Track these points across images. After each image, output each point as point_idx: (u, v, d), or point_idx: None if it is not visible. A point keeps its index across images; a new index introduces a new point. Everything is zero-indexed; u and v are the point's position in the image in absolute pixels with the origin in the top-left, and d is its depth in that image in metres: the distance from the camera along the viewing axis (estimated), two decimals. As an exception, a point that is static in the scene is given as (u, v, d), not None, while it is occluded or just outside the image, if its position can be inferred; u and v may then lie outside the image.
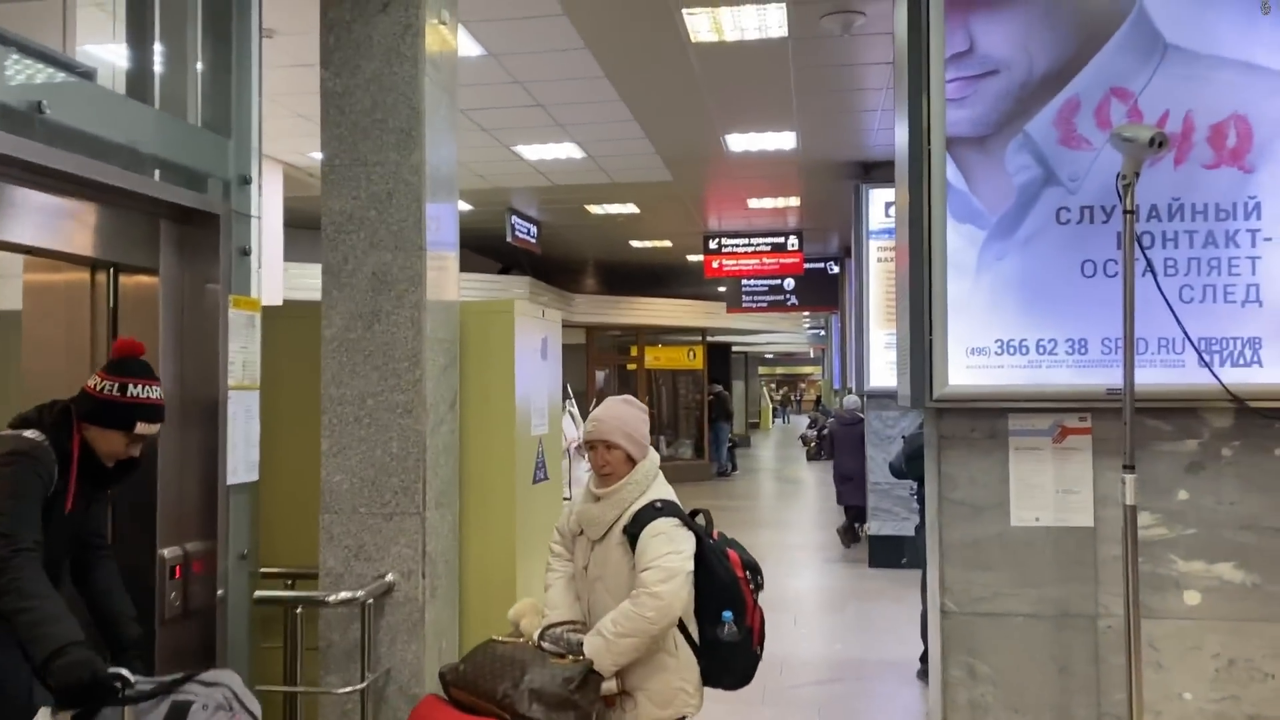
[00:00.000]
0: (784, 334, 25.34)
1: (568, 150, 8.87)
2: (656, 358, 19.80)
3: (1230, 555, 3.65)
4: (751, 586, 3.45)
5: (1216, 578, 3.65)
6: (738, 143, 8.69)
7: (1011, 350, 3.73)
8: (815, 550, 10.78)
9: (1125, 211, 3.42)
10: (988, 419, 3.77)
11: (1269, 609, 3.63)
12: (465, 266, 14.09)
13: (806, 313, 20.25)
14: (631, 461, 3.38)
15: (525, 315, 3.96)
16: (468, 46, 6.17)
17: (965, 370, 3.74)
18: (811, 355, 41.84)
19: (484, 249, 14.05)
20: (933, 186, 3.76)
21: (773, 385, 55.66)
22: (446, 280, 3.83)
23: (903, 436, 7.14)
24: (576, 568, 3.45)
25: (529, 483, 4.01)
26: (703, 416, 19.40)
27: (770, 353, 41.17)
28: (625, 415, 3.41)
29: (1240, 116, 3.65)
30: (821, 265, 15.07)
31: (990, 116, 3.76)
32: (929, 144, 3.77)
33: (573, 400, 8.62)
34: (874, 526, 9.24)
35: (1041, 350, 3.72)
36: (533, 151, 8.91)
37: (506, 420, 3.78)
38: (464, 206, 11.45)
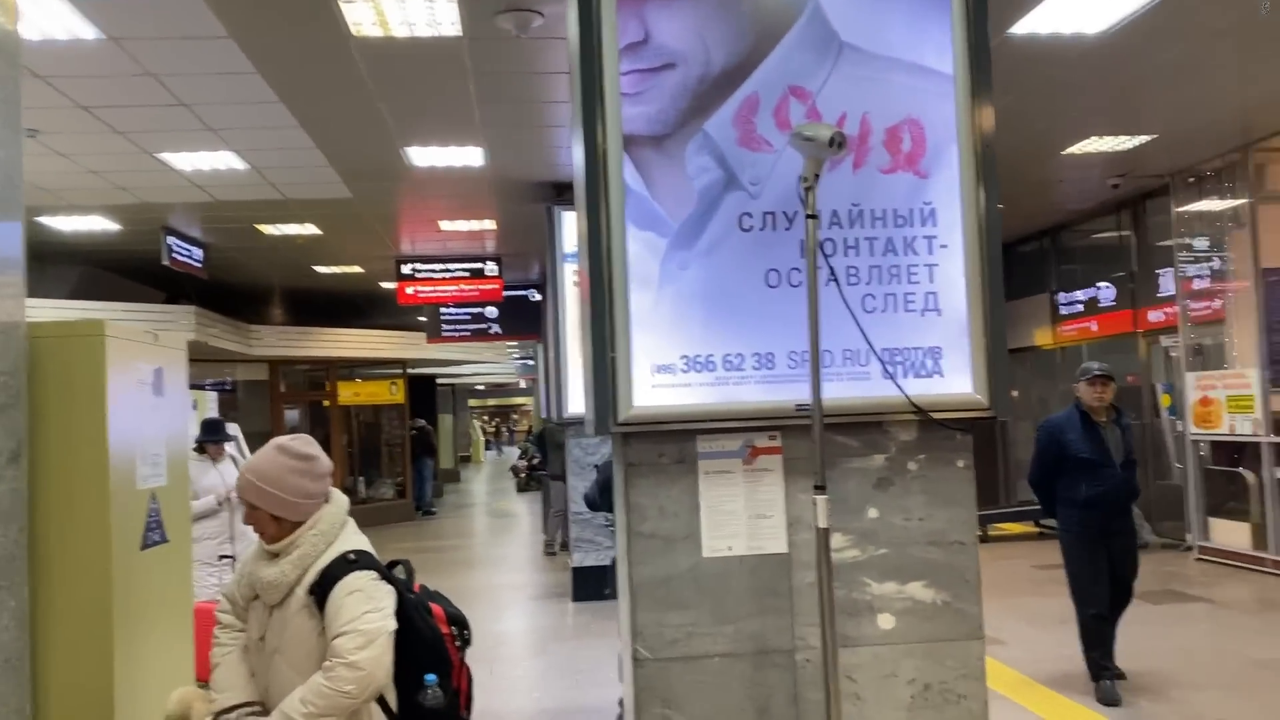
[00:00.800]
0: (492, 365, 24.82)
1: (226, 160, 7.92)
2: (355, 393, 18.66)
3: (920, 574, 3.51)
4: (458, 643, 3.07)
5: (909, 598, 3.50)
6: (421, 157, 8.13)
7: (699, 367, 3.42)
8: (520, 589, 10.30)
9: (807, 216, 3.20)
10: (676, 442, 3.44)
11: (959, 627, 3.52)
12: (120, 295, 12.60)
13: (514, 342, 19.81)
14: (277, 521, 2.78)
15: (126, 339, 3.20)
16: (75, 26, 5.22)
17: (652, 390, 3.39)
18: (523, 385, 41.61)
19: (143, 275, 12.52)
20: (610, 190, 3.39)
21: (485, 417, 54.97)
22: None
23: (595, 466, 6.83)
24: (250, 639, 2.88)
25: (136, 547, 3.23)
26: (405, 454, 18.46)
27: (481, 384, 40.50)
28: (266, 469, 2.82)
29: (914, 120, 3.56)
30: (524, 292, 14.72)
31: (669, 114, 3.46)
32: (605, 142, 3.41)
33: (238, 441, 7.65)
34: (577, 558, 8.90)
35: (729, 366, 3.44)
36: (184, 160, 7.89)
37: (96, 471, 3.00)
38: (108, 225, 10.07)
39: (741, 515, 3.46)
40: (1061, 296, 13.38)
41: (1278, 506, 8.86)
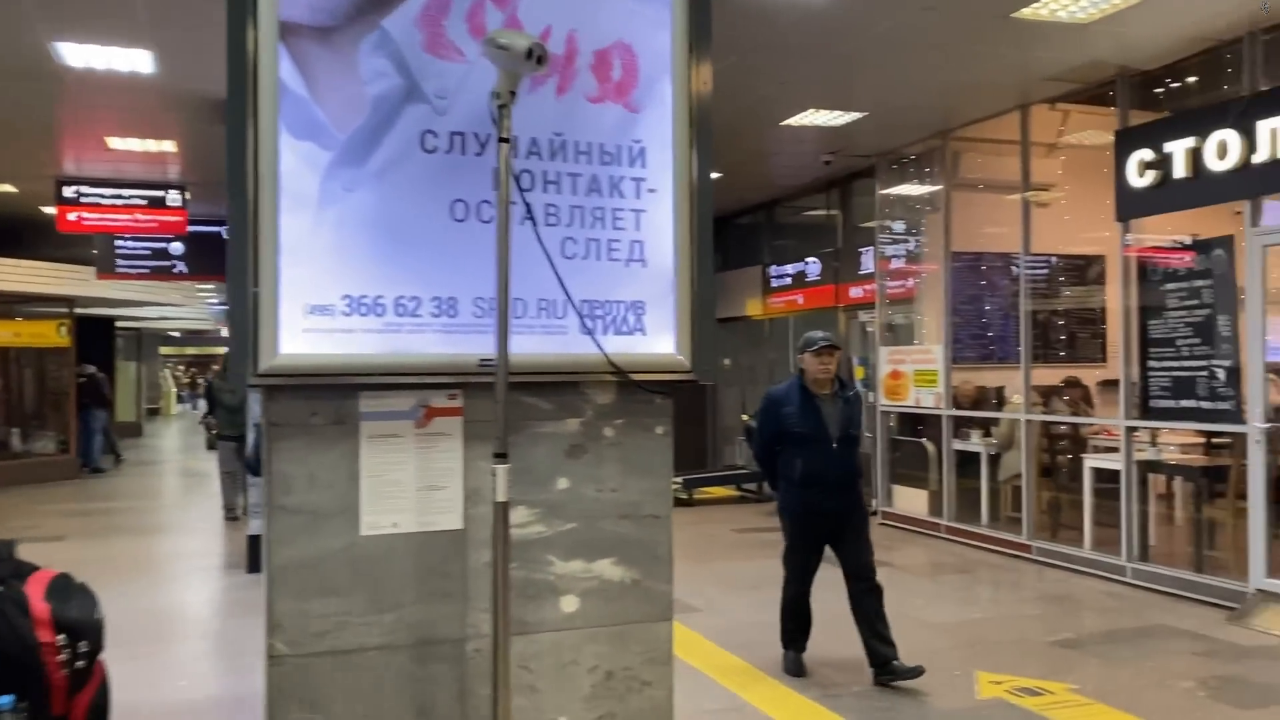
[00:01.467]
0: (183, 309, 22.62)
1: None
2: (15, 333, 16.36)
3: (610, 550, 3.18)
4: (66, 656, 2.32)
5: (596, 577, 3.16)
6: (76, 56, 6.92)
7: (365, 310, 2.89)
8: (191, 558, 9.26)
9: (500, 139, 2.75)
10: (334, 399, 2.89)
11: (648, 607, 3.22)
12: None
13: (206, 284, 18.03)
14: None
15: None
16: None
17: (304, 335, 2.83)
18: (224, 333, 38.60)
19: None
20: (259, 86, 2.78)
21: (181, 367, 50.75)
22: None
23: (255, 425, 6.08)
24: None
25: None
26: (71, 404, 16.40)
27: (176, 330, 37.18)
28: None
29: (626, 46, 3.17)
30: (216, 229, 13.30)
31: (339, 2, 2.87)
32: (255, 28, 2.78)
33: None
34: (254, 525, 8.05)
35: (402, 310, 2.92)
36: None
37: None
38: None
39: (410, 487, 2.97)
40: (773, 269, 13.76)
41: (953, 475, 9.47)
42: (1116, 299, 10.71)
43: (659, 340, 3.19)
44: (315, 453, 2.87)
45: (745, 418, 12.46)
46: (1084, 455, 8.34)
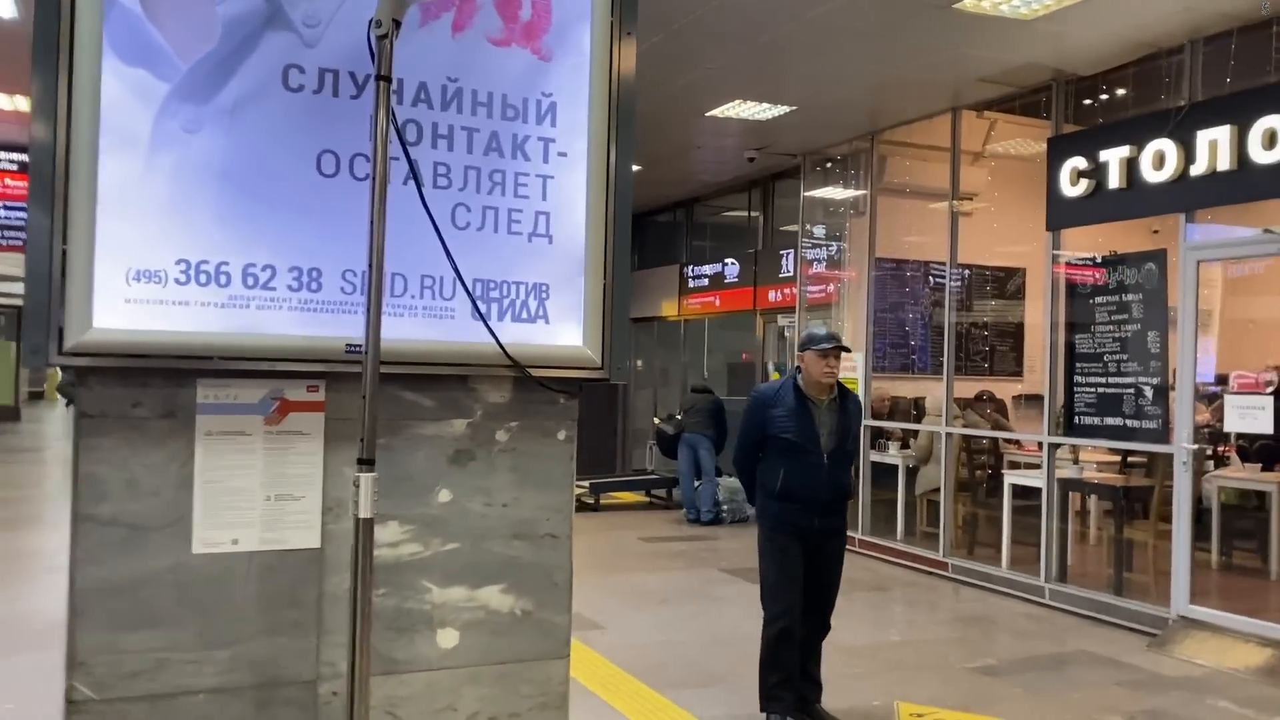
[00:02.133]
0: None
1: None
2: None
3: (499, 575, 2.71)
4: None
5: (481, 607, 2.69)
6: (-76, -5, 6.17)
7: (205, 278, 2.37)
8: (59, 555, 8.44)
9: (379, 77, 2.26)
10: (163, 387, 2.37)
11: (542, 642, 2.76)
12: None
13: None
14: None
15: None
16: None
17: (126, 307, 2.30)
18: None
19: None
20: (77, -5, 2.24)
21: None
22: None
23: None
24: None
25: None
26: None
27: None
28: None
29: (539, -18, 2.70)
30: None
31: (186, -103, 2.35)
32: (75, -80, 2.24)
33: None
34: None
35: (253, 282, 2.42)
36: None
37: None
38: None
39: (257, 496, 2.46)
40: (691, 270, 13.40)
41: (869, 488, 9.20)
42: (1038, 313, 10.69)
43: (564, 331, 2.73)
44: (137, 452, 2.34)
45: (656, 420, 12.06)
46: (1004, 471, 8.12)
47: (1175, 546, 6.25)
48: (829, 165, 10.28)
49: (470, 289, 2.59)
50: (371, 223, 2.25)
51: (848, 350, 4.70)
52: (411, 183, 2.51)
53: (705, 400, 11.03)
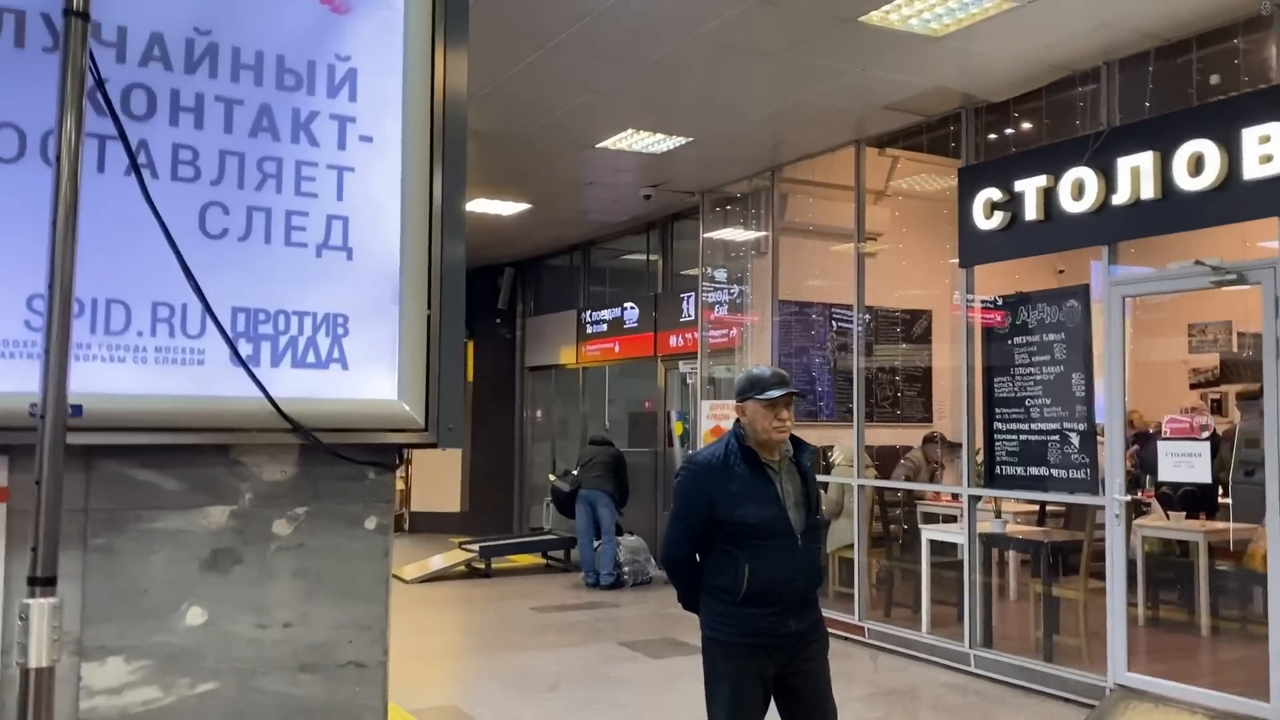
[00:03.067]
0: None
1: None
2: None
3: (279, 725, 1.93)
4: None
5: (253, 773, 1.89)
6: None
7: None
8: None
9: (73, 13, 1.53)
10: None
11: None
12: None
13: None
14: None
15: None
16: None
17: None
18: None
19: None
20: None
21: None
22: None
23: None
24: None
25: None
26: None
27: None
28: None
29: (328, -96, 2.00)
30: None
31: None
32: None
33: None
34: None
35: (-123, 313, 1.62)
36: None
37: None
38: None
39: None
40: (589, 315, 12.72)
41: (777, 545, 8.56)
42: (946, 355, 10.31)
43: (371, 379, 1.99)
44: None
45: (552, 478, 11.25)
46: (921, 526, 7.56)
47: (1110, 608, 5.72)
48: (729, 204, 9.76)
49: (225, 323, 1.84)
50: (54, 225, 1.50)
51: (800, 396, 3.64)
52: (134, 175, 1.76)
53: (604, 453, 10.26)
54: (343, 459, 1.97)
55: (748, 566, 3.31)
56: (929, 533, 7.37)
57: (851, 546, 7.83)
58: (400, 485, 15.04)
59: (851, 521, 7.89)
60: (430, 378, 2.03)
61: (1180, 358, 10.32)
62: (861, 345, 8.02)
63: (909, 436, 9.01)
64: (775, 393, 3.35)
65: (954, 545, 7.03)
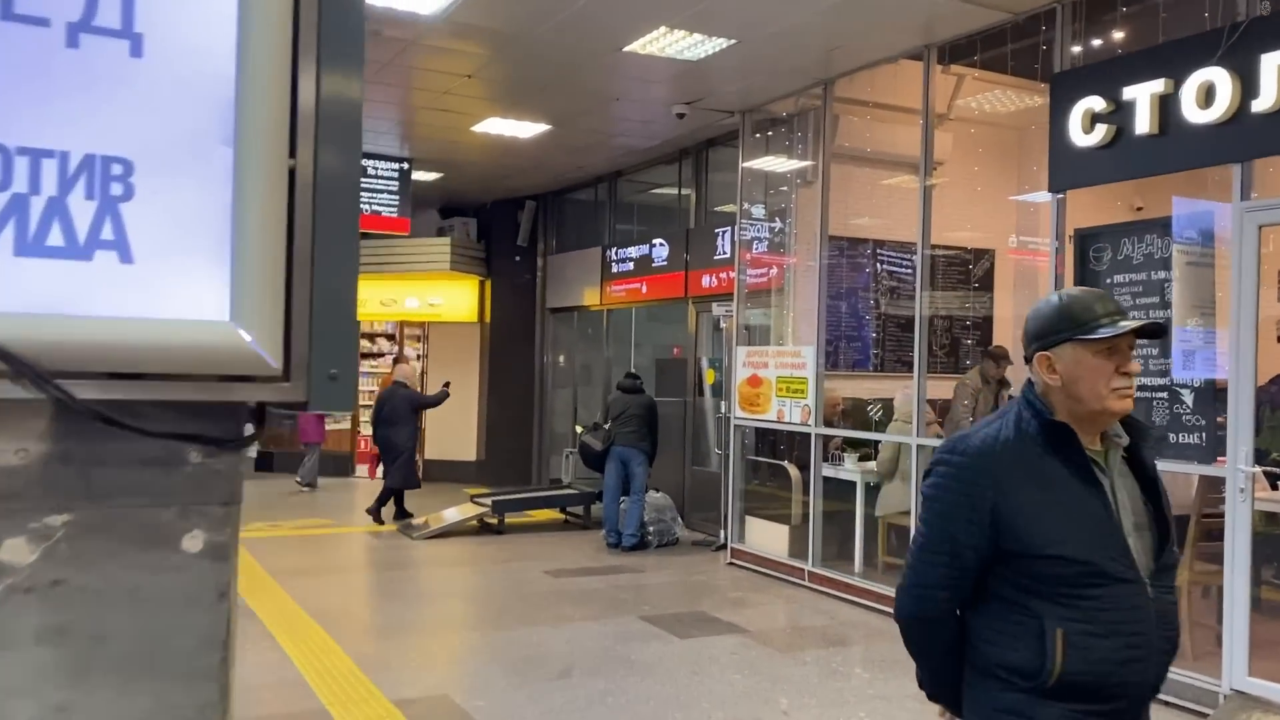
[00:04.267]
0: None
1: None
2: None
3: None
4: None
5: None
6: None
7: None
8: None
9: None
10: None
11: None
12: None
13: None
14: None
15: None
16: None
17: None
18: None
19: None
20: None
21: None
22: None
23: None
24: None
25: None
26: None
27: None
28: None
29: None
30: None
31: None
32: None
33: None
34: None
35: None
36: None
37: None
38: None
39: None
40: (614, 252, 11.77)
41: (821, 509, 7.68)
42: (1014, 299, 9.30)
43: (177, 283, 1.07)
44: None
45: (580, 430, 10.36)
46: (990, 492, 6.61)
47: (1229, 599, 4.79)
48: (772, 128, 8.72)
49: None
50: None
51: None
52: None
53: (636, 403, 9.28)
54: (125, 428, 1.07)
55: (1060, 632, 1.95)
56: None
57: (906, 513, 6.93)
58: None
59: (908, 486, 6.98)
60: (294, 286, 1.11)
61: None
62: (925, 287, 7.01)
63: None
64: (1118, 327, 1.97)
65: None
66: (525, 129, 9.26)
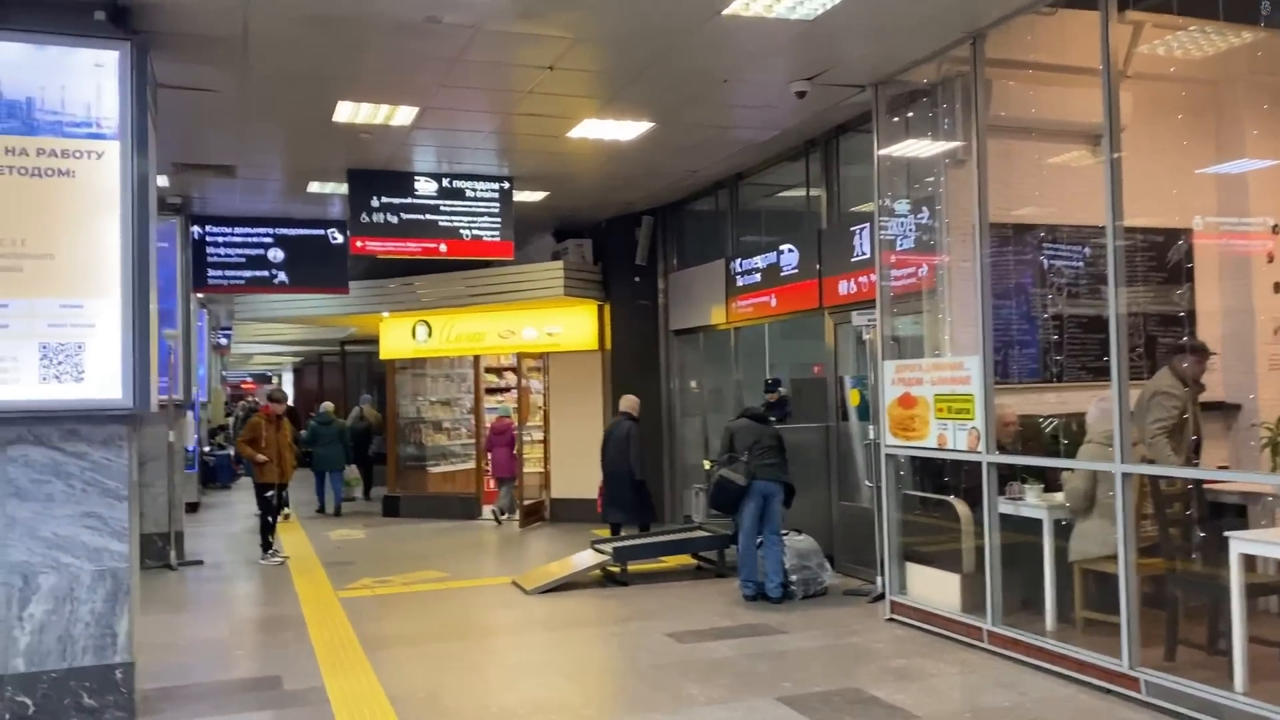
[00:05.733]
0: None
1: None
2: None
3: None
4: None
5: None
6: None
7: None
8: None
9: None
10: None
11: None
12: None
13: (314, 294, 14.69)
14: None
15: None
16: None
17: None
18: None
19: None
20: None
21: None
22: None
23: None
24: None
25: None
26: None
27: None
28: None
29: None
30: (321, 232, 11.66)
31: None
32: None
33: None
34: None
35: None
36: None
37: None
38: None
39: None
40: (738, 263, 10.61)
41: (998, 553, 6.29)
42: (1212, 292, 7.74)
43: None
44: None
45: (711, 464, 9.16)
46: (1228, 535, 5.09)
47: None
48: (912, 102, 7.42)
49: None
50: None
51: None
52: None
53: (767, 433, 8.07)
54: None
55: None
56: (1241, 544, 4.93)
57: (1111, 558, 5.49)
58: (539, 468, 13.40)
59: (1106, 521, 5.56)
60: None
61: None
62: (1119, 279, 5.61)
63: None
64: None
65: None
66: (626, 129, 8.24)
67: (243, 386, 32.40)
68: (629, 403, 10.46)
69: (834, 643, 6.60)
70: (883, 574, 7.41)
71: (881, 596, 7.40)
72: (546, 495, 13.18)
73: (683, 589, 8.46)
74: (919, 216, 7.63)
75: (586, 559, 8.90)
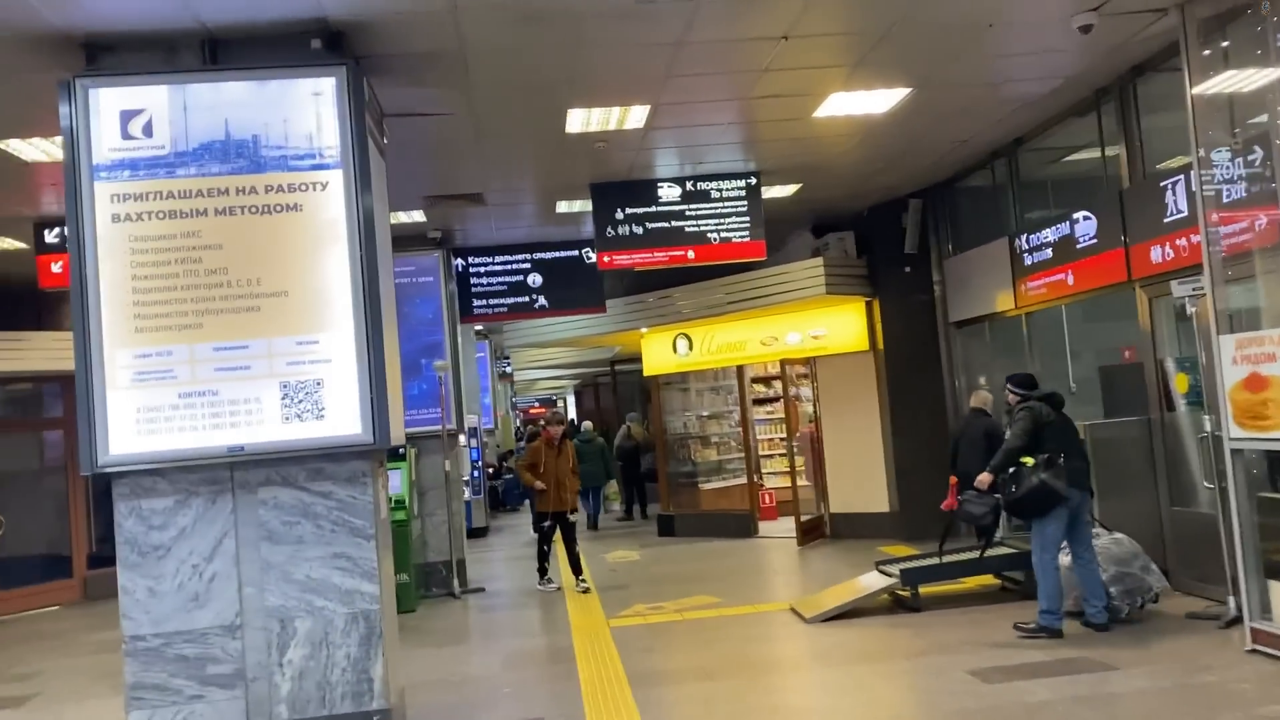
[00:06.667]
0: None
1: None
2: None
3: None
4: None
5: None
6: None
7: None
8: None
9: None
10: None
11: None
12: None
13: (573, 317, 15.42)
14: None
15: None
16: None
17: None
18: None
19: None
20: None
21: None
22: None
23: None
24: None
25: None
26: None
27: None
28: None
29: None
30: (575, 254, 11.67)
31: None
32: None
33: None
34: None
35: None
36: None
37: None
38: None
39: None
40: (1024, 239, 9.39)
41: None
42: None
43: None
44: None
45: (1029, 461, 7.87)
46: None
47: None
48: (1231, 23, 6.10)
49: None
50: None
51: None
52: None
53: (1071, 426, 7.03)
54: None
55: None
56: None
57: None
58: (807, 481, 12.59)
59: None
60: None
61: None
62: None
63: None
64: None
65: None
66: (879, 100, 7.38)
67: (530, 411, 33.69)
68: (980, 399, 9.24)
69: (1181, 682, 5.42)
70: (1237, 594, 6.08)
71: (1237, 620, 6.08)
72: (825, 510, 12.37)
73: (984, 615, 7.42)
74: (1251, 161, 6.25)
75: (872, 582, 8.06)
